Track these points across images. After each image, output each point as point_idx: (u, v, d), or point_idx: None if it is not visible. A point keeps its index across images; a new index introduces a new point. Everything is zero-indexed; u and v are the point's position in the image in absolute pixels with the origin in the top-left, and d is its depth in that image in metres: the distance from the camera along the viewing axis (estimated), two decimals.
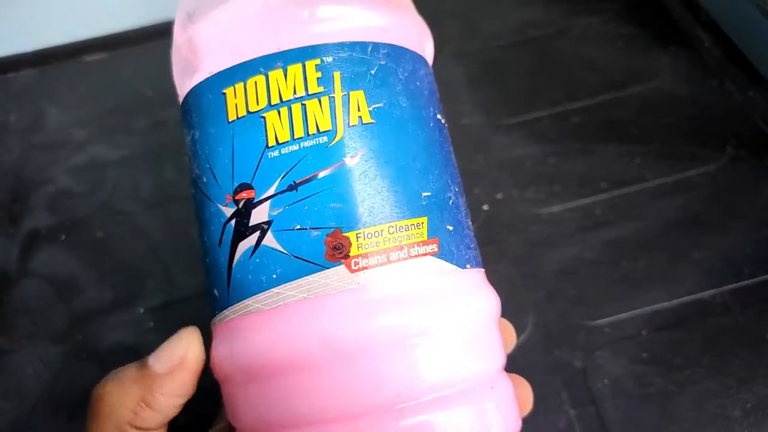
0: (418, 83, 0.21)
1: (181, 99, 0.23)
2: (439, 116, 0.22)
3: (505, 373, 0.23)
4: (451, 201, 0.21)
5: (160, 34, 0.34)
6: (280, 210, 0.19)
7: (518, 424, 0.21)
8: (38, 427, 0.34)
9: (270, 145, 0.19)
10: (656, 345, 0.33)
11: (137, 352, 0.36)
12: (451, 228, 0.20)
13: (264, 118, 0.19)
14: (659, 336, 0.33)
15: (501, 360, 0.22)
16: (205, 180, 0.20)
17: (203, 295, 0.37)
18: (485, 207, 0.39)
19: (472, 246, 0.21)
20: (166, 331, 0.36)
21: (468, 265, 0.20)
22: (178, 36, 0.22)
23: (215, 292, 0.20)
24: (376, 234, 0.18)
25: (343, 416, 0.18)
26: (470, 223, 0.22)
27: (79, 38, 0.50)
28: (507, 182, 0.40)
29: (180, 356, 0.21)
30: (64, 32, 0.50)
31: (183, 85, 0.22)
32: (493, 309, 0.22)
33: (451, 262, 0.20)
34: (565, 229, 0.37)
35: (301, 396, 0.18)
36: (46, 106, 0.48)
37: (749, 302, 0.34)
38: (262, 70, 0.19)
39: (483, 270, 0.22)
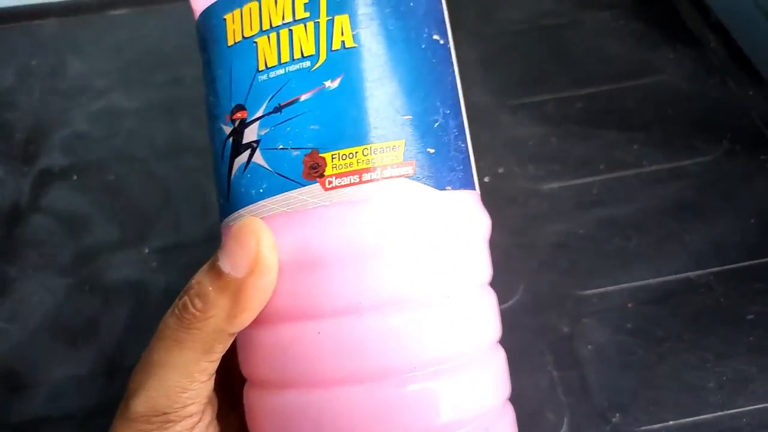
0: (411, 4, 0.21)
1: (196, 18, 0.24)
2: (436, 37, 0.22)
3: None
4: (437, 124, 0.21)
5: None
6: (267, 130, 0.20)
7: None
8: (39, 350, 0.35)
9: (260, 69, 0.20)
10: (640, 318, 0.34)
11: (140, 289, 0.37)
12: (432, 151, 0.20)
13: (256, 43, 0.20)
14: (644, 309, 0.34)
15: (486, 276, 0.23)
16: (211, 99, 0.22)
17: (210, 241, 0.39)
18: (486, 179, 0.40)
19: (459, 168, 0.21)
20: (169, 272, 0.38)
21: (449, 187, 0.21)
22: None
23: (220, 200, 0.22)
24: (351, 156, 0.19)
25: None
26: (464, 145, 0.22)
27: None
28: (509, 158, 0.41)
29: (252, 256, 0.19)
30: None
31: (196, 5, 0.23)
32: (478, 227, 0.22)
33: (427, 184, 0.20)
34: (562, 205, 0.39)
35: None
36: (69, 55, 0.49)
37: (732, 284, 0.35)
38: None
39: (473, 191, 0.22)
